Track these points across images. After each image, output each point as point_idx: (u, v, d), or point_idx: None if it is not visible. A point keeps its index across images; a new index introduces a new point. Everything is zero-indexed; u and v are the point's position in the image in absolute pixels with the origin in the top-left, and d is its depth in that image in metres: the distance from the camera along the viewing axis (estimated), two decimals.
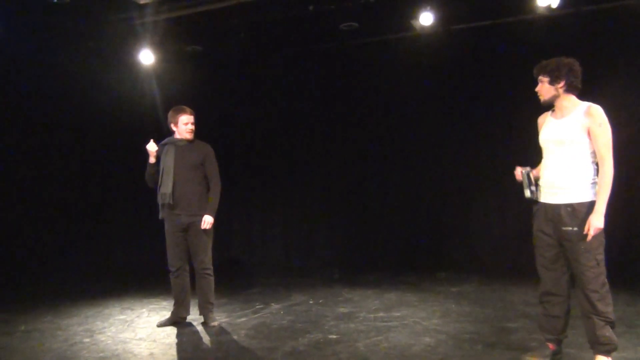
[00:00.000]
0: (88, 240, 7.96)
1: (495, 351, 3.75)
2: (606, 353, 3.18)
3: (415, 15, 6.00)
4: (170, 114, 4.68)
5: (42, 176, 7.68)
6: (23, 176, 7.56)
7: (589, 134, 3.16)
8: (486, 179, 6.70)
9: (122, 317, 5.03)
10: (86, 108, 7.41)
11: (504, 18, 6.35)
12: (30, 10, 5.89)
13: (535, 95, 3.37)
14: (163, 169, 4.53)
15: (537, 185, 3.33)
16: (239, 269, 7.41)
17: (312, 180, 7.59)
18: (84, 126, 7.72)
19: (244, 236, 7.89)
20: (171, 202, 4.50)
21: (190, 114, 4.66)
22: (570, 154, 3.20)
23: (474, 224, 6.83)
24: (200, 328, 4.61)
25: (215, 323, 4.67)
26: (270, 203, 7.82)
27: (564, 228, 3.17)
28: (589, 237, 3.07)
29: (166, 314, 4.85)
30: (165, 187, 4.51)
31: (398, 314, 4.83)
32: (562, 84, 3.23)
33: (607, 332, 3.14)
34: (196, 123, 4.68)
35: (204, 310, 4.70)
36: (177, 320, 4.72)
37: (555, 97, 3.27)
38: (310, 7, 6.13)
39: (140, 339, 4.32)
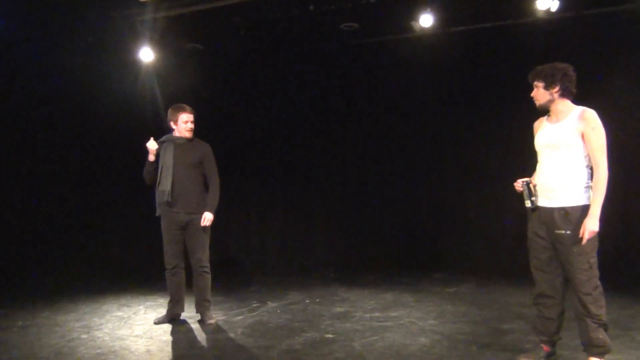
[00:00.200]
0: (86, 236, 7.96)
1: (489, 352, 3.78)
2: (599, 355, 3.21)
3: (415, 17, 6.01)
4: (170, 111, 4.69)
5: (41, 173, 7.68)
6: (22, 173, 7.56)
7: (583, 138, 3.19)
8: (483, 180, 6.73)
9: (119, 313, 5.05)
10: (85, 105, 7.40)
11: (504, 21, 6.36)
12: (30, 6, 5.89)
13: (532, 99, 3.40)
14: (162, 167, 4.55)
15: (537, 195, 3.35)
16: (236, 267, 7.43)
17: (310, 179, 7.60)
18: (82, 123, 7.71)
19: (241, 235, 7.90)
20: (170, 199, 4.52)
21: (190, 113, 4.67)
22: (565, 158, 3.22)
23: (471, 225, 6.86)
24: (196, 326, 4.63)
25: (212, 321, 4.69)
26: (268, 202, 7.84)
27: (558, 231, 3.20)
28: (584, 241, 3.10)
29: (163, 311, 4.86)
30: (165, 185, 4.52)
31: (394, 314, 4.85)
32: (557, 88, 3.26)
33: (601, 334, 3.16)
34: (195, 122, 4.70)
35: (201, 308, 4.72)
36: (173, 317, 4.75)
37: (551, 101, 3.31)
38: (311, 7, 6.14)
39: (137, 335, 4.34)
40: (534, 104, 3.42)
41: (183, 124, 4.63)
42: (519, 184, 3.38)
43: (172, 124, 4.67)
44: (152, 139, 4.56)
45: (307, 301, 5.45)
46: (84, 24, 6.29)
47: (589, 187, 3.20)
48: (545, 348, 3.49)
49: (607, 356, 3.24)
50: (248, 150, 7.93)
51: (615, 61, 6.09)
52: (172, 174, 4.52)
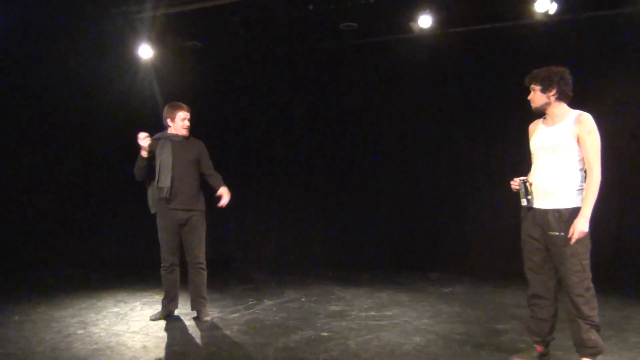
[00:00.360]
0: (83, 232, 7.98)
1: (484, 352, 3.80)
2: (592, 356, 3.24)
3: (414, 18, 6.04)
4: (166, 109, 4.70)
5: (39, 169, 7.70)
6: (19, 169, 7.58)
7: (578, 141, 3.22)
8: (480, 181, 6.77)
9: (115, 309, 5.07)
10: (83, 101, 7.43)
11: (503, 22, 6.40)
12: (29, 2, 5.90)
13: (529, 101, 3.43)
14: (160, 164, 4.54)
15: (532, 194, 3.37)
16: (232, 264, 7.45)
17: (308, 178, 7.63)
18: (80, 119, 7.74)
19: (238, 233, 7.93)
20: (168, 196, 4.53)
21: (187, 111, 4.69)
22: (560, 160, 3.26)
23: (467, 226, 6.89)
24: (192, 322, 4.65)
25: (208, 318, 4.71)
26: (265, 200, 7.86)
27: (551, 233, 3.23)
28: (572, 240, 3.13)
29: (159, 308, 4.87)
30: (164, 182, 4.52)
31: (389, 313, 4.88)
32: (553, 92, 3.29)
33: (593, 335, 3.20)
34: (191, 119, 4.72)
35: (197, 305, 4.74)
36: (168, 314, 4.77)
37: (547, 105, 3.33)
38: (310, 7, 6.17)
39: (133, 332, 4.36)
40: (530, 106, 3.44)
41: (180, 122, 4.64)
42: (515, 183, 3.40)
43: (168, 121, 4.67)
44: (147, 135, 4.49)
45: (303, 299, 5.48)
46: (83, 21, 6.29)
47: (582, 190, 3.23)
48: (539, 348, 3.52)
49: (599, 357, 3.27)
50: (245, 148, 7.96)
51: (611, 64, 6.12)
52: (171, 171, 4.54)
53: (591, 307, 3.19)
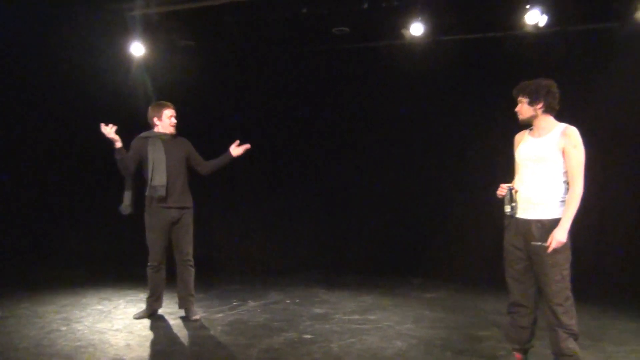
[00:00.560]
0: (67, 229, 7.94)
1: (464, 358, 3.86)
2: None
3: (406, 25, 6.09)
4: (151, 109, 4.72)
5: (25, 164, 7.66)
6: (5, 165, 7.53)
7: (563, 153, 3.28)
8: (466, 189, 6.82)
9: (99, 307, 5.07)
10: (75, 96, 7.39)
11: (493, 32, 6.48)
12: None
13: (516, 112, 3.49)
14: (154, 162, 4.54)
15: (517, 202, 3.42)
16: (218, 265, 7.45)
17: (294, 180, 7.64)
18: (68, 115, 7.69)
19: (224, 233, 7.92)
20: (164, 194, 4.53)
21: (173, 108, 4.73)
22: (545, 171, 3.32)
23: (450, 233, 6.94)
24: (176, 322, 4.66)
25: (197, 317, 4.74)
26: (252, 201, 7.86)
27: (534, 243, 3.29)
28: (550, 249, 3.19)
29: (143, 306, 4.89)
30: (160, 180, 4.52)
31: (373, 317, 4.92)
32: (540, 105, 3.34)
33: (571, 344, 3.26)
34: (178, 117, 4.76)
35: (186, 303, 4.75)
36: (152, 312, 4.78)
37: (534, 117, 3.39)
38: (304, 10, 6.20)
39: (117, 329, 4.37)
40: (517, 117, 3.50)
41: (167, 119, 4.68)
42: (503, 189, 3.45)
43: (155, 120, 4.69)
44: (110, 125, 4.32)
45: (288, 301, 5.51)
46: (75, 17, 6.28)
47: (565, 201, 3.29)
48: (518, 356, 3.58)
49: None
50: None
51: (599, 77, 6.21)
52: (165, 169, 4.54)
53: (570, 316, 3.25)
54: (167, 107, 4.70)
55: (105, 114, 7.35)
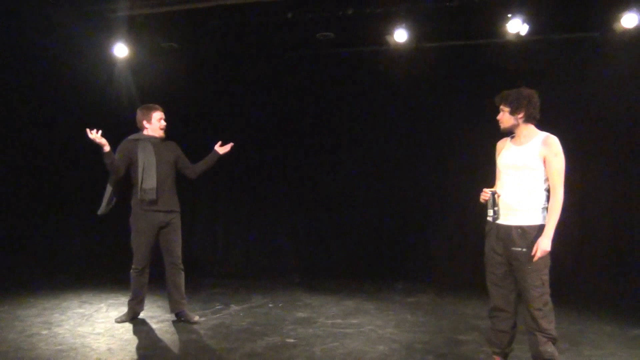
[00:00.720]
0: (48, 231, 7.87)
1: None
2: None
3: (389, 32, 6.15)
4: (140, 112, 4.70)
5: (4, 165, 7.57)
6: None
7: (544, 162, 3.35)
8: (447, 195, 6.89)
9: (80, 310, 5.03)
10: (57, 96, 7.34)
11: (476, 40, 6.57)
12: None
13: (498, 120, 3.54)
14: (144, 165, 4.52)
15: (499, 207, 3.47)
16: (201, 269, 7.42)
17: (278, 184, 7.64)
18: (52, 114, 7.64)
19: (207, 237, 7.90)
20: (155, 197, 4.52)
21: (162, 111, 4.73)
22: (526, 179, 3.38)
23: (432, 238, 7.00)
24: (158, 326, 4.64)
25: (197, 318, 4.76)
26: (235, 204, 7.86)
27: (514, 248, 3.35)
28: (535, 258, 3.25)
29: (125, 310, 4.86)
30: (150, 183, 4.50)
31: (355, 321, 4.95)
32: (521, 114, 3.40)
33: (549, 347, 3.32)
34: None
35: (179, 306, 4.74)
36: (134, 315, 4.75)
37: (515, 126, 3.45)
38: (289, 15, 6.23)
39: (98, 333, 4.34)
40: (499, 125, 3.56)
41: (157, 122, 4.67)
42: (486, 194, 3.49)
43: (144, 123, 4.67)
44: (95, 130, 4.28)
45: (271, 305, 5.51)
46: (58, 17, 6.23)
47: (545, 209, 3.36)
48: (497, 359, 3.64)
49: None
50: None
51: (579, 86, 6.33)
52: (156, 173, 4.53)
53: (549, 321, 3.31)
54: (157, 109, 4.70)
55: (87, 115, 7.36)
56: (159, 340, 4.28)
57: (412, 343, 4.33)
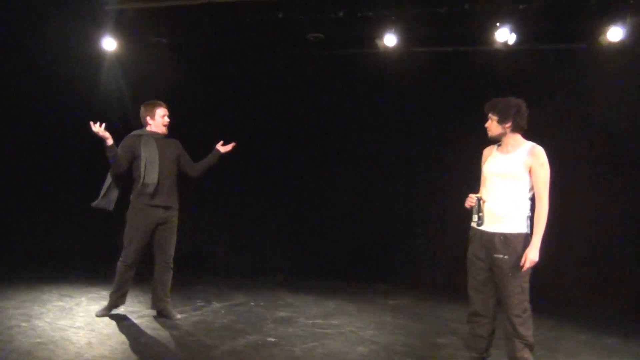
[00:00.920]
0: (29, 223, 7.79)
1: None
2: None
3: (379, 35, 6.19)
4: (144, 108, 4.70)
5: None
6: None
7: (530, 171, 3.40)
8: (431, 199, 6.95)
9: (60, 303, 4.99)
10: (45, 89, 7.28)
11: (464, 47, 6.63)
12: None
13: (484, 125, 3.59)
14: (146, 160, 4.51)
15: (484, 212, 3.51)
16: (182, 265, 7.38)
17: (262, 183, 7.64)
18: (38, 107, 7.57)
19: (190, 234, 7.86)
20: (152, 192, 4.50)
21: (166, 107, 4.74)
22: (511, 187, 3.43)
23: (415, 241, 7.05)
24: (139, 321, 4.63)
25: (178, 316, 4.77)
26: (219, 202, 7.84)
27: (496, 255, 3.40)
28: (524, 268, 3.31)
29: (105, 304, 4.84)
30: (152, 178, 4.50)
31: (335, 322, 4.98)
32: (509, 124, 3.45)
33: (526, 354, 3.38)
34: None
35: (163, 304, 4.73)
36: (114, 307, 4.70)
37: (502, 135, 3.50)
38: (280, 15, 6.25)
39: (78, 327, 4.32)
40: (485, 131, 3.60)
41: (160, 119, 4.69)
42: (472, 199, 3.53)
43: (148, 119, 4.68)
44: (99, 124, 4.28)
45: (252, 303, 5.52)
46: (47, 9, 6.18)
47: (529, 217, 3.42)
48: None
49: None
50: (201, 150, 7.90)
51: (567, 96, 6.42)
52: (158, 168, 4.52)
53: (527, 328, 3.37)
54: (160, 106, 4.70)
55: (75, 107, 7.32)
56: (139, 335, 4.26)
57: (391, 345, 4.37)
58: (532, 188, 3.43)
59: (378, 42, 6.34)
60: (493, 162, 3.56)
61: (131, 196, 4.63)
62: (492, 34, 5.90)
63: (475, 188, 3.68)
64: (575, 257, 6.35)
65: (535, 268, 3.40)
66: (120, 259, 4.63)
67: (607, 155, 6.30)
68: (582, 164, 6.37)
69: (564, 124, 6.40)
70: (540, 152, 3.41)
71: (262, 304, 5.54)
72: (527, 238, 3.38)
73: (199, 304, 5.38)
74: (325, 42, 6.93)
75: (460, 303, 5.52)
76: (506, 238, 3.38)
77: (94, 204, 4.64)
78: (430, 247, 6.99)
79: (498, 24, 5.80)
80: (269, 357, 3.92)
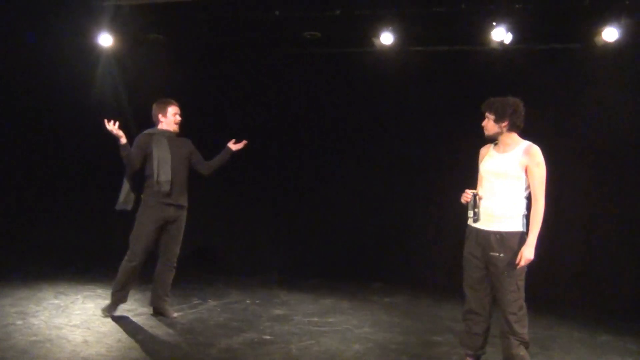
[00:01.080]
0: (24, 220, 7.77)
1: None
2: None
3: (376, 34, 6.20)
4: (156, 106, 4.72)
5: None
6: None
7: (526, 171, 3.42)
8: (427, 197, 6.96)
9: (56, 301, 4.98)
10: (39, 83, 7.25)
11: (461, 46, 6.65)
12: None
13: (480, 124, 3.61)
14: (159, 159, 4.51)
15: (479, 207, 3.53)
16: (179, 263, 7.40)
17: (258, 181, 7.63)
18: (33, 102, 7.54)
19: (186, 231, 7.85)
20: (168, 190, 4.51)
21: (177, 106, 4.75)
22: (507, 187, 3.45)
23: (411, 239, 7.06)
24: (135, 319, 4.63)
25: (175, 315, 4.77)
26: (214, 200, 7.83)
27: (492, 253, 3.42)
28: (520, 266, 3.34)
29: (101, 302, 4.84)
30: (165, 176, 4.50)
31: (331, 320, 4.99)
32: (505, 123, 3.47)
33: (522, 351, 3.40)
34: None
35: (162, 303, 4.73)
36: (117, 305, 4.66)
37: (499, 134, 3.52)
38: (276, 12, 6.24)
39: (74, 325, 4.31)
40: (481, 130, 3.62)
41: (172, 117, 4.70)
42: (468, 195, 3.55)
43: (160, 117, 4.69)
44: (112, 122, 4.33)
45: (248, 301, 5.53)
46: (44, 4, 6.16)
47: (524, 216, 3.44)
48: None
49: None
50: (197, 147, 7.89)
51: (563, 95, 6.45)
52: (170, 165, 4.53)
53: (522, 325, 3.39)
54: (171, 104, 4.72)
55: (70, 103, 7.30)
56: (135, 333, 4.26)
57: (387, 343, 4.39)
58: (528, 187, 3.45)
59: (375, 40, 6.35)
60: (489, 161, 3.58)
61: (142, 195, 4.62)
62: (489, 34, 5.92)
63: (472, 187, 3.69)
64: (569, 256, 6.37)
65: (531, 266, 3.43)
66: (126, 258, 4.58)
67: (602, 155, 6.32)
68: (577, 163, 6.39)
69: (559, 123, 6.43)
70: (536, 151, 3.43)
71: (258, 301, 5.55)
72: (522, 236, 3.40)
73: (195, 301, 5.38)
74: (321, 40, 6.92)
75: (456, 301, 5.54)
76: (502, 236, 3.40)
77: (117, 207, 4.62)
78: (427, 245, 7.00)
79: (494, 24, 5.83)
80: (265, 355, 3.93)
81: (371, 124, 7.30)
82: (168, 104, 4.71)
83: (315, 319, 5.01)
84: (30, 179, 7.83)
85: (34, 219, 7.77)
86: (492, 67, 6.34)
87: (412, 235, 7.07)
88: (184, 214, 4.71)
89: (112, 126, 4.31)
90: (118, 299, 4.67)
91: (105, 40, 6.59)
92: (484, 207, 3.50)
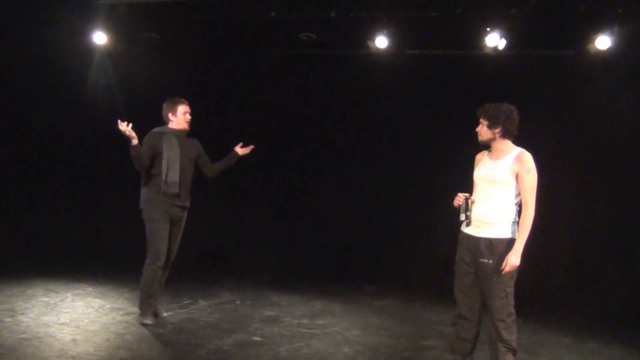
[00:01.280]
0: (15, 218, 7.73)
1: None
2: None
3: (371, 37, 6.22)
4: (166, 105, 4.70)
5: None
6: None
7: (517, 177, 3.44)
8: (419, 201, 6.97)
9: (45, 299, 4.97)
10: (33, 81, 7.22)
11: (455, 50, 6.68)
12: None
13: (473, 128, 3.62)
14: (169, 159, 4.50)
15: (471, 211, 3.54)
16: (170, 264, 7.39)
17: (250, 182, 7.62)
18: (25, 101, 7.51)
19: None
20: (178, 190, 4.50)
21: (188, 105, 4.74)
22: (498, 193, 3.46)
23: (403, 243, 7.07)
24: (124, 318, 4.62)
25: (165, 314, 4.77)
26: (206, 200, 7.79)
27: (481, 259, 3.43)
28: (504, 272, 3.35)
29: (91, 300, 4.84)
30: (174, 177, 4.50)
31: (322, 322, 5.00)
32: (498, 129, 3.48)
33: (509, 358, 3.41)
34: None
35: (156, 302, 4.72)
36: (151, 310, 4.58)
37: (492, 140, 3.53)
38: (272, 14, 6.25)
39: (63, 323, 4.30)
40: (475, 134, 3.63)
41: (182, 116, 4.69)
42: (460, 198, 3.55)
43: (170, 116, 4.67)
44: (126, 123, 4.27)
45: (238, 302, 5.53)
46: (38, 2, 6.14)
47: (515, 223, 3.45)
48: None
49: None
50: None
51: (556, 102, 6.48)
52: (179, 166, 4.52)
53: (510, 332, 3.41)
54: (182, 103, 4.70)
55: (65, 101, 7.27)
56: (124, 332, 4.25)
57: (376, 346, 4.40)
58: (519, 194, 3.47)
59: (370, 43, 6.36)
60: (482, 167, 3.60)
61: (149, 192, 4.56)
62: (483, 39, 5.94)
63: (464, 190, 3.70)
64: (559, 263, 6.41)
65: (520, 273, 3.44)
66: (148, 261, 4.49)
67: (594, 161, 6.36)
68: (568, 170, 6.42)
69: (551, 129, 6.45)
70: (527, 158, 3.45)
71: (248, 302, 5.55)
72: (511, 243, 3.41)
73: (186, 301, 5.38)
74: (317, 41, 6.93)
75: (446, 305, 5.56)
76: (491, 243, 3.42)
77: (141, 205, 4.58)
78: (418, 249, 7.01)
79: (488, 29, 5.85)
80: (255, 356, 3.93)
81: (364, 127, 7.31)
82: (178, 102, 4.69)
83: (305, 321, 5.01)
84: (20, 176, 7.79)
85: (24, 215, 7.73)
86: (485, 72, 6.37)
87: (404, 238, 7.08)
88: (185, 215, 4.71)
89: (125, 127, 4.26)
90: (151, 305, 4.56)
91: (100, 38, 6.57)
92: (475, 213, 3.51)
